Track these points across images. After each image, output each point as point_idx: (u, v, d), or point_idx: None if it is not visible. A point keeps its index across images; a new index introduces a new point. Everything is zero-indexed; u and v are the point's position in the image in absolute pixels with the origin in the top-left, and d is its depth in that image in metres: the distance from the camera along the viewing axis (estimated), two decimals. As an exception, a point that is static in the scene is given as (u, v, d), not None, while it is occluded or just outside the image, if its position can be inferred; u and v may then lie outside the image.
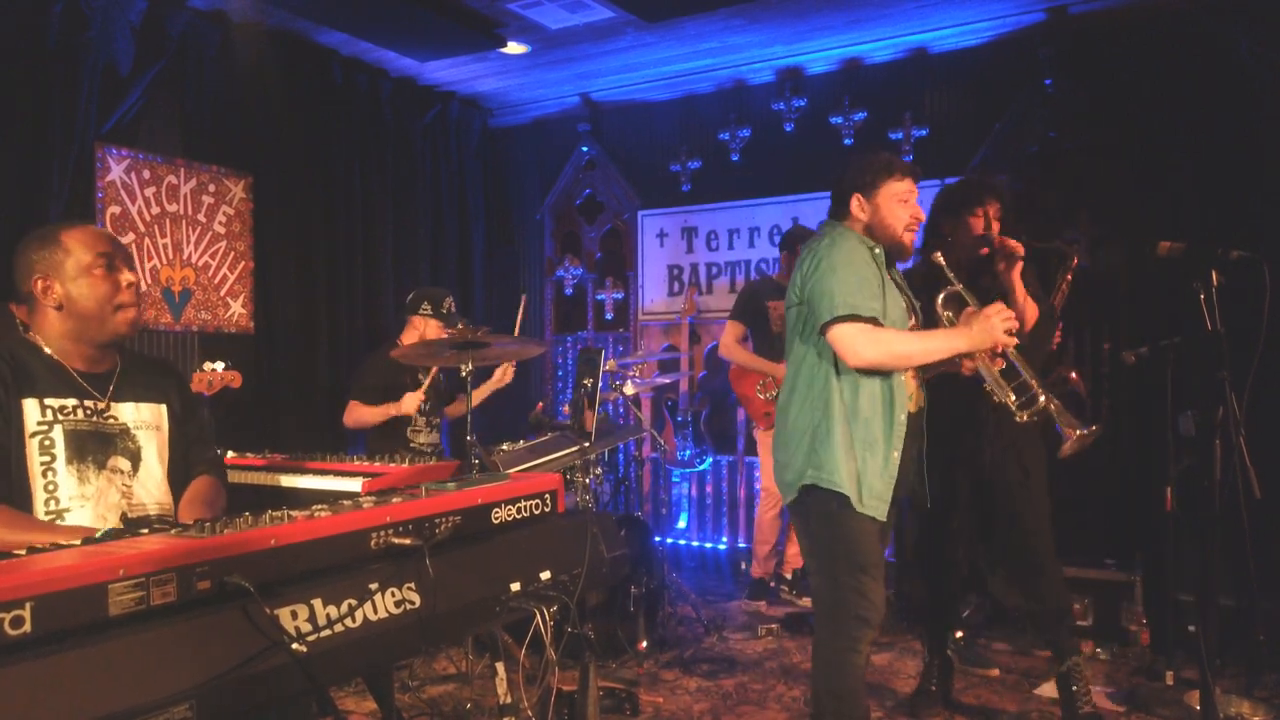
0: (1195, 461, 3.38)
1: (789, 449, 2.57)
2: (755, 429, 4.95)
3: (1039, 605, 3.12)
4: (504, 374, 4.36)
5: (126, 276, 2.06)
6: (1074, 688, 3.11)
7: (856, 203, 2.59)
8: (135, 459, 2.11)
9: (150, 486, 2.13)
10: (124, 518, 2.04)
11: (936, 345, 2.46)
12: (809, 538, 2.60)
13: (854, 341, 2.40)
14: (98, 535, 1.55)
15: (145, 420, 2.16)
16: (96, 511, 2.01)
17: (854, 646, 2.48)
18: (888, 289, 2.54)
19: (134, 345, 4.47)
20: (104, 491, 2.04)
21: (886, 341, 2.42)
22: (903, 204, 2.58)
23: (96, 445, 2.05)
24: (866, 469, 2.46)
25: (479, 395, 4.48)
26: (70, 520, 1.98)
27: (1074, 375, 3.57)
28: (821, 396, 2.50)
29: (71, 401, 2.04)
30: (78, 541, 1.47)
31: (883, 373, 2.48)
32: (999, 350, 2.50)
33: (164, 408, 2.21)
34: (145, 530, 1.56)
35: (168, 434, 2.20)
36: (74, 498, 1.99)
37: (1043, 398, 2.58)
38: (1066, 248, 3.46)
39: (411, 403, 3.97)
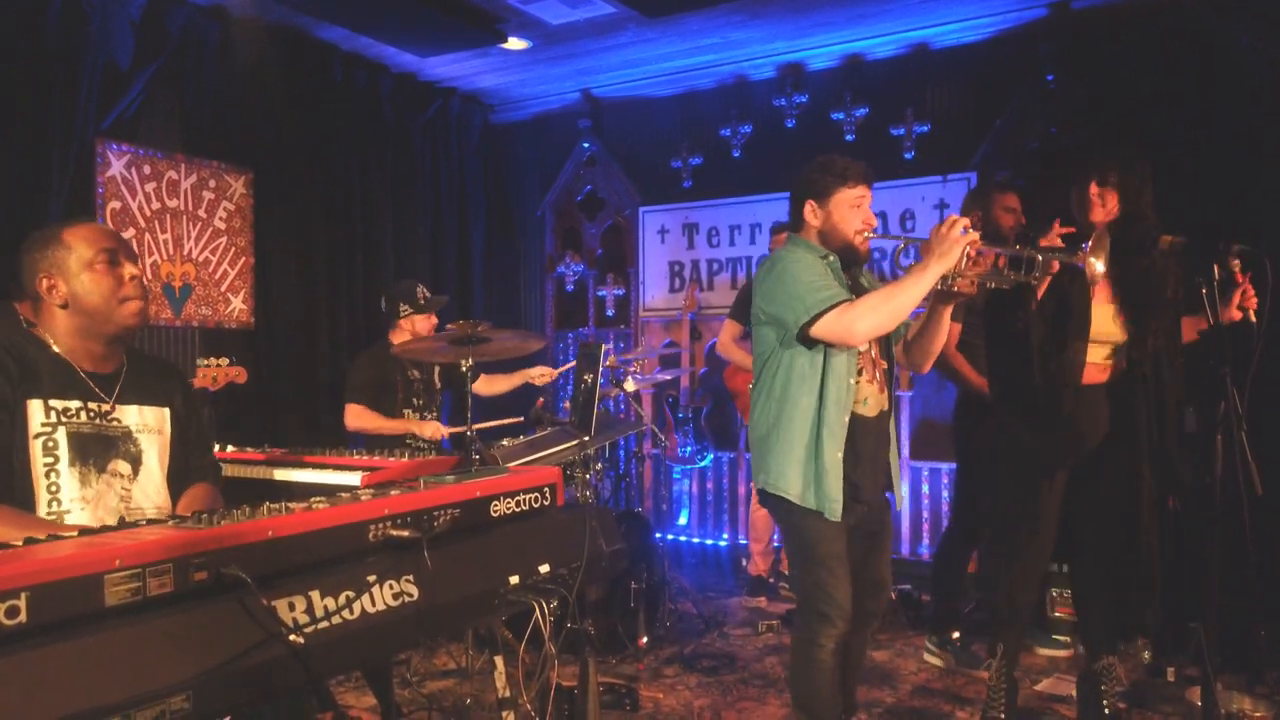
0: (1197, 458, 3.37)
1: (754, 453, 2.72)
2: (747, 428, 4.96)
3: (1103, 599, 3.14)
4: (543, 374, 4.37)
5: (129, 270, 2.06)
6: (1102, 687, 3.10)
7: (810, 209, 2.66)
8: (135, 463, 2.11)
9: (149, 491, 2.13)
10: (121, 521, 2.04)
11: (916, 284, 2.42)
12: (779, 529, 2.76)
13: (840, 325, 2.44)
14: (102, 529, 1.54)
15: (148, 424, 2.15)
16: (95, 514, 2.02)
17: (815, 640, 2.56)
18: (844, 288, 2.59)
19: (138, 342, 4.48)
20: (103, 495, 2.04)
21: (871, 308, 2.44)
22: (854, 209, 2.62)
23: (98, 448, 2.05)
24: (816, 470, 2.54)
25: (512, 381, 4.47)
26: (70, 522, 1.98)
27: None
28: (777, 403, 2.60)
29: (76, 404, 2.04)
30: (75, 532, 1.47)
31: (831, 375, 2.53)
32: (974, 253, 2.46)
33: (167, 411, 2.21)
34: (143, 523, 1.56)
35: (170, 438, 2.20)
36: (75, 500, 2.00)
37: (1039, 257, 2.50)
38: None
39: (434, 428, 3.92)
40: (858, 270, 2.74)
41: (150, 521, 1.58)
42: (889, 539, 2.80)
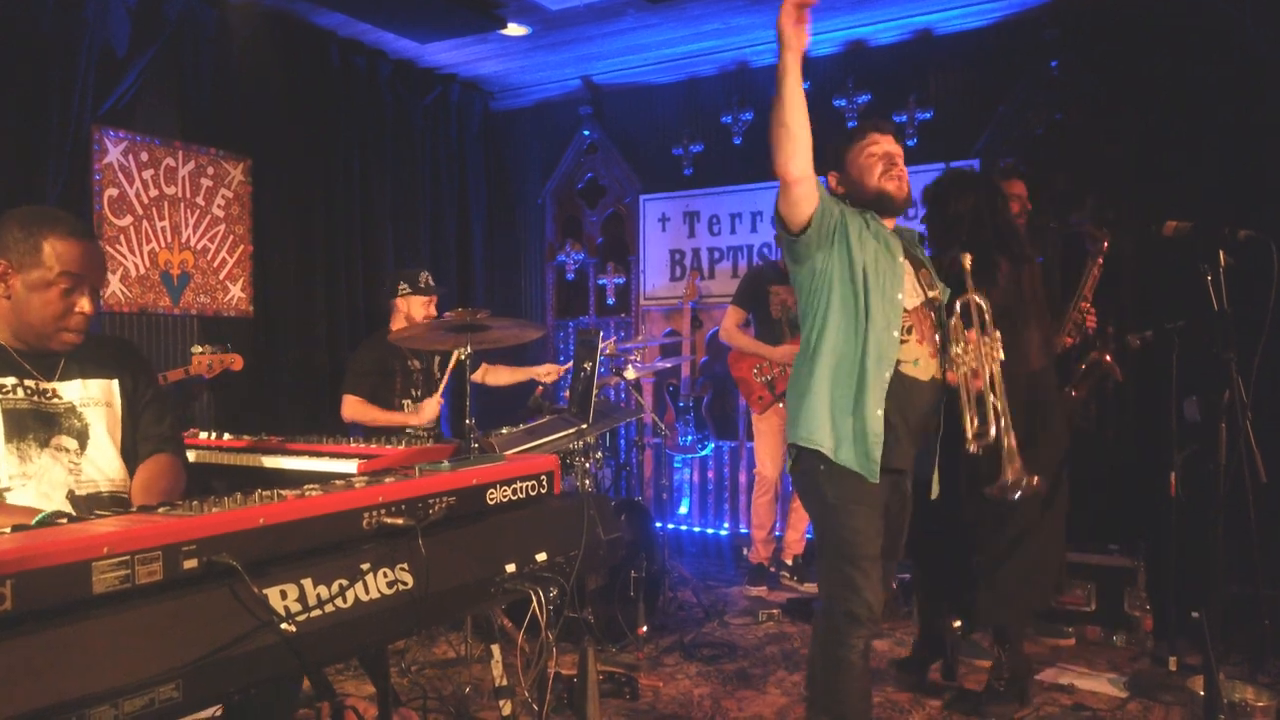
0: (1200, 447, 3.35)
1: (790, 413, 2.59)
2: (752, 413, 4.93)
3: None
4: (550, 371, 4.36)
5: (83, 304, 2.01)
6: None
7: (834, 180, 2.65)
8: (82, 437, 2.08)
9: (101, 464, 2.10)
10: (70, 495, 2.02)
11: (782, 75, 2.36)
12: (811, 520, 2.62)
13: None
14: (33, 522, 1.46)
15: (93, 397, 2.12)
16: (39, 489, 1.99)
17: (842, 641, 2.42)
18: (884, 252, 2.52)
19: (125, 331, 4.45)
20: (47, 469, 2.01)
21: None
22: (869, 156, 2.58)
23: (37, 424, 2.02)
24: (849, 424, 2.43)
25: (515, 375, 4.46)
26: (11, 500, 1.95)
27: (1108, 358, 3.51)
28: (811, 354, 2.52)
29: (11, 380, 2.02)
30: (64, 520, 1.45)
31: (871, 328, 2.44)
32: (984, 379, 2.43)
33: (115, 383, 2.17)
34: (107, 512, 1.52)
35: (119, 410, 2.16)
36: (15, 476, 1.97)
37: (1004, 439, 2.44)
38: (1096, 231, 3.42)
39: (430, 410, 3.90)
40: (910, 235, 2.67)
41: (141, 509, 1.56)
42: (907, 521, 2.67)
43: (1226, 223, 2.58)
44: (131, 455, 2.16)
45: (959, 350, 2.51)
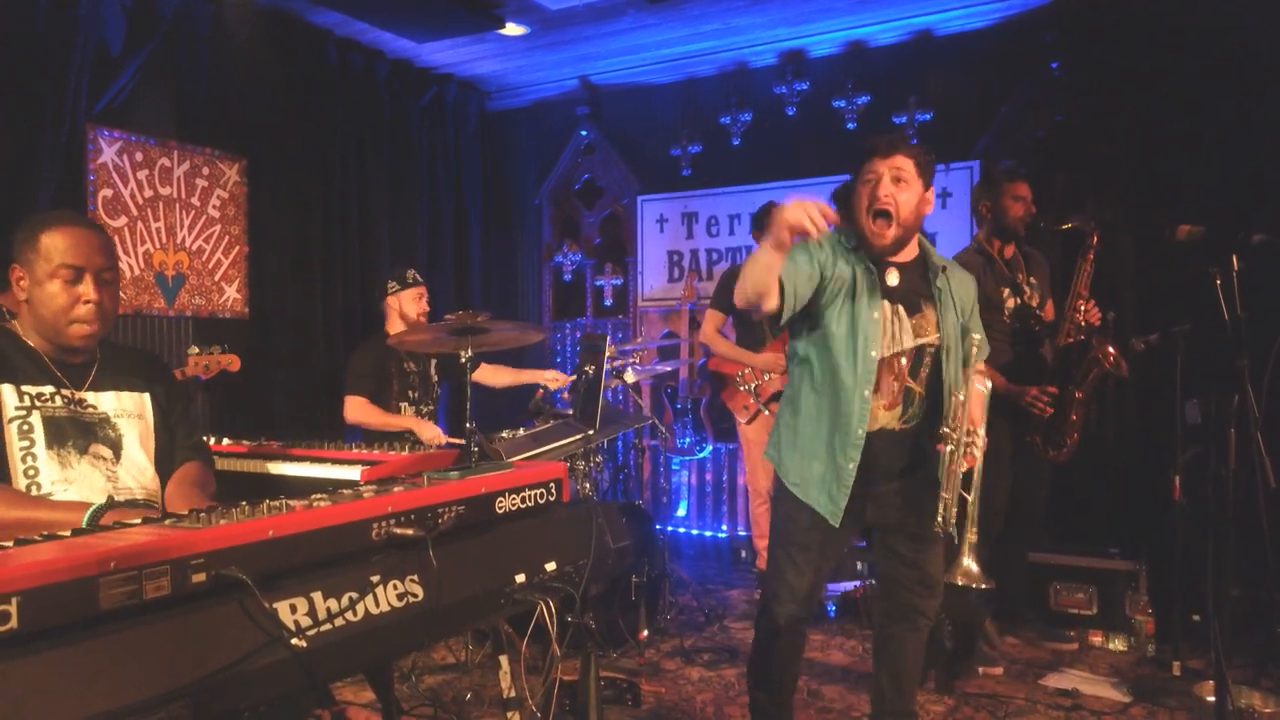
0: (1202, 450, 3.34)
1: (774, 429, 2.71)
2: (737, 422, 4.82)
3: None
4: (556, 378, 4.32)
5: (88, 293, 2.00)
6: None
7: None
8: (116, 447, 2.09)
9: (134, 473, 2.11)
10: (110, 500, 2.02)
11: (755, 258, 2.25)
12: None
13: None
14: (98, 505, 1.54)
15: (127, 409, 2.14)
16: (81, 494, 1.99)
17: (768, 609, 2.63)
18: (865, 304, 2.39)
19: (120, 333, 4.40)
20: (88, 475, 2.02)
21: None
22: (863, 185, 2.40)
23: (76, 431, 2.04)
24: (820, 472, 2.49)
25: (519, 377, 4.42)
26: None
27: (1112, 351, 3.49)
28: (794, 393, 2.59)
29: (49, 389, 2.04)
30: (67, 533, 1.42)
31: (843, 391, 2.41)
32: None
33: (147, 396, 2.19)
34: (140, 521, 1.51)
35: (152, 422, 2.19)
36: (57, 482, 1.98)
37: (967, 533, 2.43)
38: (1085, 225, 3.44)
39: (431, 434, 3.84)
40: (926, 267, 2.47)
41: (146, 520, 1.53)
42: (936, 540, 2.56)
43: (1239, 227, 2.56)
44: (165, 466, 2.18)
45: (949, 429, 2.39)
